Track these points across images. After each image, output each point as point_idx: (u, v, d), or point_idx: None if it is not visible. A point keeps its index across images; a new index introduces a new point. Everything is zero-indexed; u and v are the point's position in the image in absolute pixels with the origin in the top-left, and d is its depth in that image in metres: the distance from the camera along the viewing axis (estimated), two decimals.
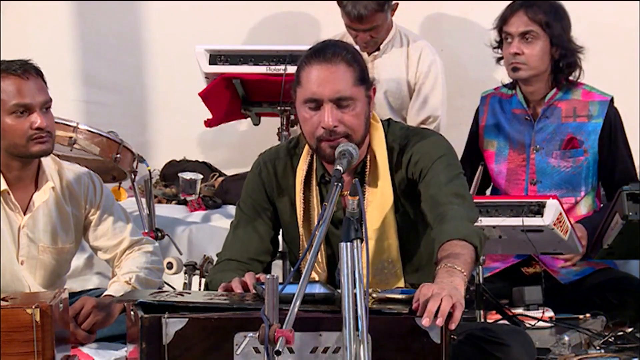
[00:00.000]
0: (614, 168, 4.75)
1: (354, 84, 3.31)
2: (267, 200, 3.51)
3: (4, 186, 3.82)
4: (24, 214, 3.88)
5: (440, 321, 2.83)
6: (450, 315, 2.86)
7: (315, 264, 3.41)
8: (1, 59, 3.80)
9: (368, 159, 3.42)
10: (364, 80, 3.35)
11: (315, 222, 3.29)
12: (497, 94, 4.93)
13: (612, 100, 4.76)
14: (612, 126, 4.74)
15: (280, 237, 3.60)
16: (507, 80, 4.88)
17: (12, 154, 3.82)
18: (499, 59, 4.85)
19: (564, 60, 4.73)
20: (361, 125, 3.34)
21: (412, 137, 3.44)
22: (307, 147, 3.47)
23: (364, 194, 3.40)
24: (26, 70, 3.78)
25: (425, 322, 2.82)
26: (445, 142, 3.46)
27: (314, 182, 3.46)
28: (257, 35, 6.00)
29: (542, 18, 4.68)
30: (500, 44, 4.81)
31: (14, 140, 3.78)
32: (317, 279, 3.41)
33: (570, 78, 4.78)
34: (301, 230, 3.45)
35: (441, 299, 2.85)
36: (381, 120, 3.49)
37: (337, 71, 3.30)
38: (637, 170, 4.90)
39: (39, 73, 3.81)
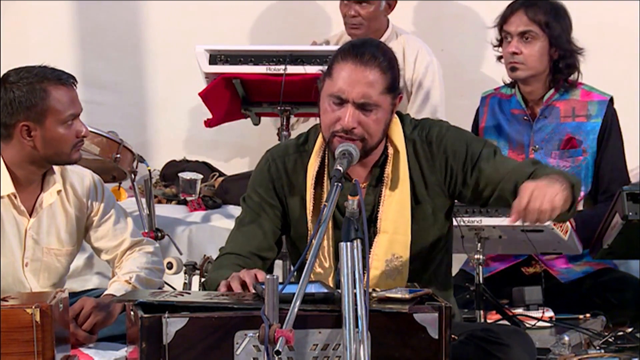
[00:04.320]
0: (602, 166, 4.74)
1: (382, 92, 3.32)
2: (276, 196, 3.51)
3: (12, 189, 3.82)
4: (30, 216, 3.87)
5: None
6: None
7: (322, 261, 3.41)
8: (1, 59, 3.81)
9: (389, 152, 3.43)
10: (393, 89, 3.36)
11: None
12: (496, 94, 4.92)
13: (611, 100, 4.76)
14: (609, 125, 4.73)
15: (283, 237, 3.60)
16: (508, 79, 4.88)
17: (50, 162, 3.83)
18: (499, 58, 4.85)
19: (563, 61, 4.72)
20: (379, 131, 3.35)
21: (432, 128, 3.46)
22: (318, 143, 3.47)
23: (383, 188, 3.41)
24: (72, 78, 3.82)
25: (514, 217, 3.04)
26: (462, 130, 3.53)
27: (325, 178, 3.46)
28: (257, 35, 6.00)
29: (542, 18, 4.68)
30: (501, 43, 4.81)
31: (61, 148, 3.78)
32: (322, 276, 3.40)
33: (570, 79, 4.77)
34: (310, 225, 3.44)
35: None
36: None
37: (369, 76, 3.30)
38: (638, 170, 4.90)
39: (76, 81, 3.86)
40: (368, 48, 3.35)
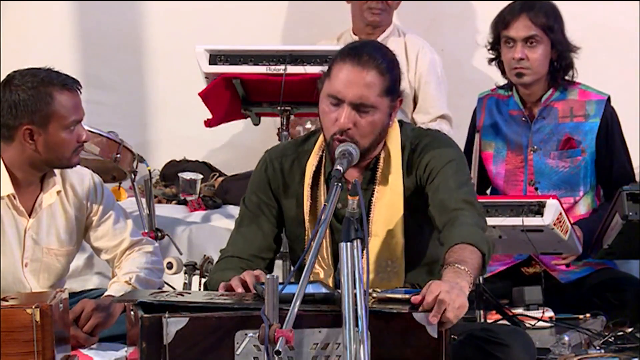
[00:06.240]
0: (611, 167, 4.75)
1: (379, 94, 3.30)
2: (272, 197, 3.51)
3: (11, 190, 3.82)
4: (29, 217, 3.87)
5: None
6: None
7: (321, 261, 3.41)
8: (1, 59, 3.81)
9: (382, 156, 3.42)
10: (392, 91, 3.34)
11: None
12: (493, 95, 4.92)
13: (608, 99, 4.75)
14: (609, 125, 4.73)
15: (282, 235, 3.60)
16: (501, 82, 4.88)
17: (50, 165, 3.83)
18: (491, 60, 4.83)
19: (562, 61, 4.72)
20: (373, 133, 3.33)
21: (424, 139, 3.44)
22: (318, 143, 3.47)
23: (374, 191, 3.40)
24: (77, 83, 3.82)
25: (433, 319, 2.87)
26: (456, 148, 3.47)
27: (322, 179, 3.45)
28: (257, 35, 6.00)
29: (545, 22, 4.65)
30: (493, 45, 4.79)
31: (62, 153, 3.79)
32: (321, 275, 3.40)
33: (566, 77, 4.77)
34: (307, 225, 3.44)
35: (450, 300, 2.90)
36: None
37: (366, 77, 3.28)
38: (637, 170, 4.91)
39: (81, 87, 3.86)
40: (367, 49, 3.33)
